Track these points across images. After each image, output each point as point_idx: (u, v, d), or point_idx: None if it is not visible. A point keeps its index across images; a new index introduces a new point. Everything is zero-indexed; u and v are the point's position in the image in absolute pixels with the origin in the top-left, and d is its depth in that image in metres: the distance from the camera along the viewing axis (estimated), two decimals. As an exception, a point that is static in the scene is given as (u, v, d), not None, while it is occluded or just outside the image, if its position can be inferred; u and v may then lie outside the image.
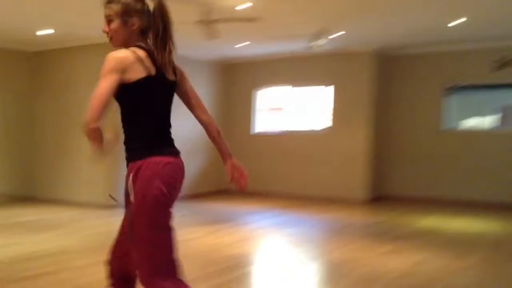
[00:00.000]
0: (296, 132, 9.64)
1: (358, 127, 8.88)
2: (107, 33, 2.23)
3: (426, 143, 8.92)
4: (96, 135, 2.06)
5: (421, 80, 8.95)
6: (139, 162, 2.13)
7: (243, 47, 8.78)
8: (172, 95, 2.40)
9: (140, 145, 2.18)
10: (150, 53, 2.17)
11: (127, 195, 2.16)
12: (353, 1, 6.01)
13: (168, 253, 2.19)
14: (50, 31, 7.41)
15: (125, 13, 2.17)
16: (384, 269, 4.39)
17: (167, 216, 2.23)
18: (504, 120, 8.54)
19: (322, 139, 9.30)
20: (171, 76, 2.29)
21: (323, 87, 9.37)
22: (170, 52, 2.24)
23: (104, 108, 2.05)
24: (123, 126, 2.24)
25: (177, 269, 2.20)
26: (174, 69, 2.33)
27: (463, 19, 6.69)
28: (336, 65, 9.11)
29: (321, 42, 7.45)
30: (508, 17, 6.65)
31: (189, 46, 8.66)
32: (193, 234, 5.90)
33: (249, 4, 5.96)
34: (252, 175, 10.68)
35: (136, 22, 2.19)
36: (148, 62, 2.14)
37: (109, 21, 2.20)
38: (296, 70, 9.55)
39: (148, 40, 2.24)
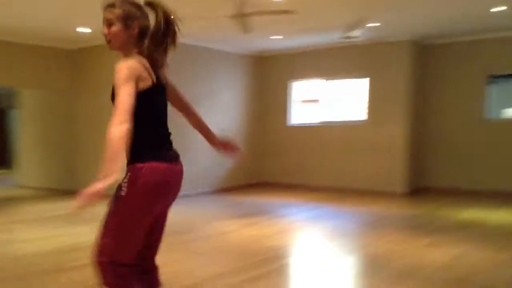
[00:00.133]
0: (332, 124, 9.59)
1: (395, 118, 8.76)
2: (107, 35, 2.29)
3: (467, 133, 8.71)
4: (119, 148, 2.04)
5: (461, 69, 8.73)
6: (138, 165, 2.19)
7: (277, 39, 8.78)
8: (166, 99, 2.47)
9: (141, 150, 2.23)
10: (151, 60, 2.26)
11: (118, 189, 2.22)
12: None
13: (132, 249, 2.26)
14: (87, 29, 7.60)
15: (127, 18, 2.25)
16: (423, 262, 4.35)
17: (148, 218, 2.29)
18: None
19: (359, 131, 9.21)
20: (164, 80, 2.39)
21: (358, 79, 9.27)
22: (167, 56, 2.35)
23: (130, 113, 2.08)
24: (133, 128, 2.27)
25: (134, 267, 2.29)
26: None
27: (504, 8, 6.48)
28: (372, 56, 8.99)
29: (356, 33, 7.37)
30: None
31: (224, 40, 8.73)
32: (231, 227, 5.98)
33: (283, -3, 5.96)
34: (289, 167, 10.83)
35: (136, 27, 2.26)
36: (150, 70, 2.24)
37: (109, 24, 2.26)
38: (331, 62, 9.47)
39: (144, 45, 2.30)
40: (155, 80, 2.25)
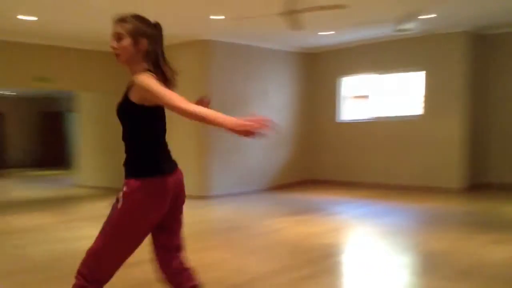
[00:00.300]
0: (384, 119, 9.37)
1: (452, 113, 8.44)
2: (115, 49, 2.33)
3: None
4: (206, 113, 2.22)
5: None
6: (135, 182, 2.27)
7: (327, 35, 8.67)
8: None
9: (143, 164, 2.33)
10: (163, 78, 2.35)
11: (116, 201, 2.30)
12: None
13: (116, 263, 2.34)
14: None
15: (137, 33, 2.31)
16: (483, 260, 4.16)
17: (139, 235, 2.35)
18: None
19: (413, 126, 8.95)
20: None
21: (413, 72, 9.01)
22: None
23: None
24: (128, 143, 2.39)
25: (109, 278, 2.34)
26: None
27: None
28: (427, 48, 8.71)
29: (410, 25, 7.15)
30: None
31: (273, 38, 8.72)
32: (282, 224, 5.96)
33: (333, -9, 5.86)
34: (339, 164, 10.68)
35: (145, 44, 2.32)
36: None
37: (118, 38, 2.31)
38: (383, 56, 9.25)
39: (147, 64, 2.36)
40: None
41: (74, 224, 6.37)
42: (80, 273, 2.30)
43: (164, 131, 2.45)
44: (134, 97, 2.27)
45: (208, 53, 8.33)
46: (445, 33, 8.38)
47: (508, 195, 7.79)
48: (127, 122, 2.36)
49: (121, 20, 2.32)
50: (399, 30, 7.42)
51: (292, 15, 6.22)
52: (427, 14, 7.10)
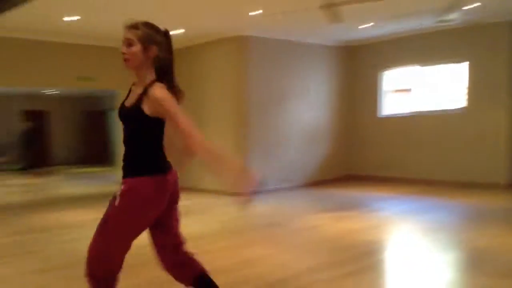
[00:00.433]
0: (427, 114, 9.16)
1: (497, 105, 8.16)
2: (125, 54, 2.38)
3: None
4: (211, 152, 2.33)
5: None
6: (142, 178, 2.36)
7: (367, 28, 8.53)
8: None
9: (147, 162, 2.41)
10: (171, 88, 2.48)
11: (114, 198, 2.38)
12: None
13: (119, 257, 2.43)
14: (181, 30, 7.87)
15: (147, 40, 2.36)
16: (534, 259, 4.02)
17: (138, 231, 2.45)
18: None
19: (456, 120, 8.71)
20: None
21: (455, 64, 8.76)
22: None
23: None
24: (129, 144, 2.44)
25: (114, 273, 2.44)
26: None
27: None
28: (470, 39, 8.44)
29: (453, 15, 6.95)
30: None
31: (312, 32, 8.65)
32: (323, 220, 5.93)
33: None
34: (380, 159, 10.49)
35: (155, 51, 2.38)
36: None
37: (129, 44, 2.36)
38: (425, 47, 9.02)
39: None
40: None
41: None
42: (89, 275, 2.39)
43: (163, 137, 2.50)
44: (148, 109, 2.34)
45: (246, 49, 8.34)
46: (489, 23, 8.10)
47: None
48: (133, 127, 2.42)
49: (132, 26, 2.38)
50: (441, 21, 7.23)
51: (331, 8, 6.16)
52: (470, 4, 6.88)
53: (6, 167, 15.82)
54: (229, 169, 2.26)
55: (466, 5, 6.88)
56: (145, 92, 2.36)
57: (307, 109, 9.27)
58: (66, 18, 6.88)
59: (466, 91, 8.57)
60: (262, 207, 7.19)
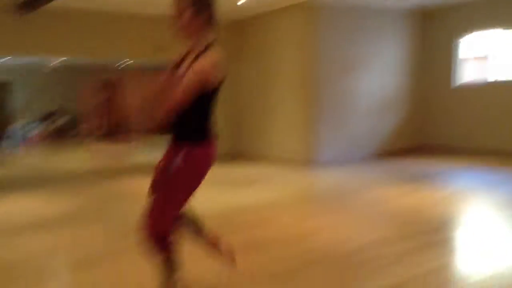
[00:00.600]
0: (506, 83, 8.65)
1: None
2: (177, 23, 2.43)
3: None
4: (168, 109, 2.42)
5: None
6: (193, 147, 2.51)
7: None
8: None
9: (204, 128, 2.56)
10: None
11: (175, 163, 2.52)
12: None
13: (174, 218, 2.62)
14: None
15: (197, 4, 2.40)
16: None
17: (192, 194, 2.63)
18: None
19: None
20: None
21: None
22: None
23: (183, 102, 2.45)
24: (186, 110, 2.48)
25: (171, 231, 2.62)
26: None
27: None
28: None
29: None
30: None
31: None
32: (392, 193, 5.86)
33: None
34: (454, 130, 10.07)
35: (205, 14, 2.42)
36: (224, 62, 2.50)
37: (180, 12, 2.41)
38: (508, 9, 8.41)
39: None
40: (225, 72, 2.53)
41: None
42: (152, 234, 2.55)
43: (215, 103, 2.63)
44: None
45: (314, 16, 8.19)
46: None
47: None
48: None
49: None
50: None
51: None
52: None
53: (85, 134, 16.77)
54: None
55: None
56: (196, 58, 2.47)
57: (378, 78, 9.05)
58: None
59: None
60: (329, 179, 7.20)
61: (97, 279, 3.21)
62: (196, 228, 2.86)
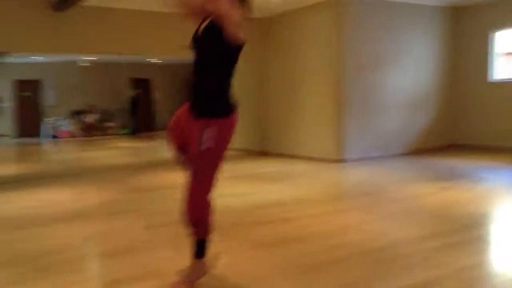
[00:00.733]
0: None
1: None
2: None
3: None
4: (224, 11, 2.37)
5: None
6: (221, 120, 2.54)
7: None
8: None
9: (223, 102, 2.56)
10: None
11: (199, 137, 2.52)
12: None
13: (209, 197, 2.66)
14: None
15: None
16: None
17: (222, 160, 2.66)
18: None
19: None
20: None
21: None
22: None
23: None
24: (209, 80, 2.53)
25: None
26: None
27: None
28: None
29: None
30: None
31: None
32: (423, 190, 5.74)
33: None
34: (488, 127, 9.85)
35: None
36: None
37: None
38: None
39: None
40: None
41: (219, 182, 6.78)
42: (193, 220, 2.57)
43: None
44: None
45: (343, 12, 8.11)
46: None
47: None
48: (209, 53, 2.55)
49: None
50: None
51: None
52: None
53: (114, 131, 17.03)
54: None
55: None
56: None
57: (408, 74, 8.89)
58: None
59: None
60: (358, 175, 7.11)
61: (131, 268, 3.24)
62: None
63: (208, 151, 2.53)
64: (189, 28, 2.87)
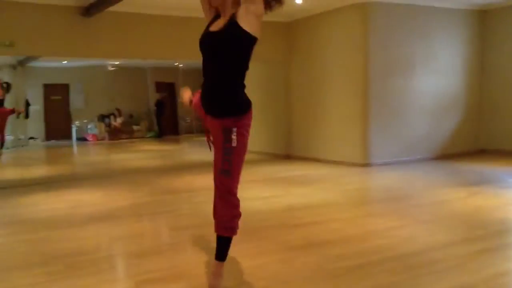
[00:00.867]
0: None
1: None
2: None
3: None
4: None
5: None
6: (245, 118, 2.60)
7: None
8: None
9: (246, 99, 2.61)
10: None
11: (225, 136, 2.56)
12: None
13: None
14: (299, 1, 7.78)
15: None
16: None
17: None
18: None
19: None
20: None
21: None
22: None
23: None
24: (231, 80, 2.56)
25: None
26: None
27: None
28: None
29: None
30: None
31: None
32: (451, 195, 5.65)
33: None
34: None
35: None
36: None
37: None
38: None
39: None
40: None
41: (245, 185, 6.80)
42: (234, 195, 2.62)
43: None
44: (244, 22, 2.49)
45: (368, 15, 8.04)
46: None
47: None
48: (230, 51, 2.55)
49: None
50: None
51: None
52: None
53: (140, 134, 17.23)
54: None
55: None
56: (233, 15, 2.50)
57: (434, 78, 8.77)
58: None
59: None
60: (385, 180, 7.04)
61: (158, 269, 3.27)
62: None
63: (239, 147, 2.56)
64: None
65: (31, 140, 15.68)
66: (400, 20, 8.31)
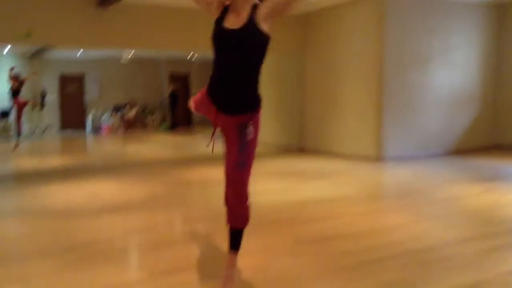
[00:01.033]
0: None
1: None
2: None
3: None
4: None
5: None
6: (259, 112, 2.66)
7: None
8: None
9: (258, 95, 2.65)
10: None
11: (240, 131, 2.58)
12: None
13: None
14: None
15: None
16: None
17: None
18: None
19: None
20: None
21: None
22: None
23: None
24: (250, 78, 2.58)
25: None
26: None
27: None
28: None
29: None
30: None
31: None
32: (465, 191, 5.62)
33: None
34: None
35: None
36: None
37: None
38: None
39: None
40: None
41: (257, 178, 6.83)
42: (247, 187, 2.65)
43: None
44: (265, 25, 2.52)
45: (386, 8, 7.98)
46: None
47: None
48: (253, 51, 2.57)
49: None
50: None
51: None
52: None
53: (154, 125, 17.34)
54: None
55: None
56: (254, 7, 2.50)
57: (449, 73, 8.69)
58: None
59: None
60: (398, 175, 7.02)
61: (172, 260, 3.32)
62: None
63: (253, 140, 2.61)
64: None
65: (46, 131, 15.87)
66: (416, 14, 8.23)
